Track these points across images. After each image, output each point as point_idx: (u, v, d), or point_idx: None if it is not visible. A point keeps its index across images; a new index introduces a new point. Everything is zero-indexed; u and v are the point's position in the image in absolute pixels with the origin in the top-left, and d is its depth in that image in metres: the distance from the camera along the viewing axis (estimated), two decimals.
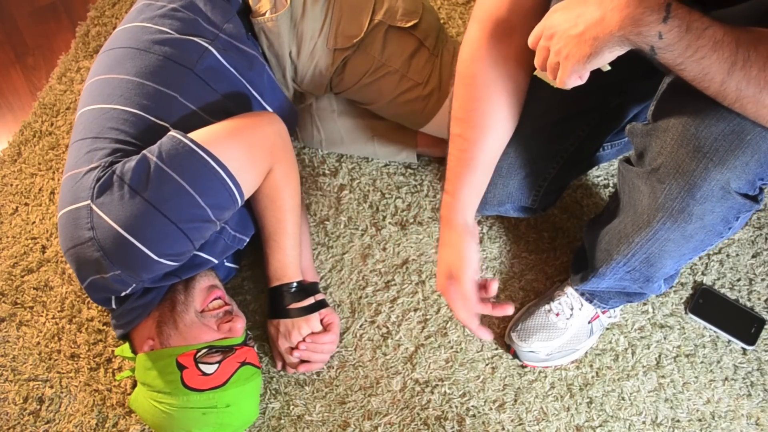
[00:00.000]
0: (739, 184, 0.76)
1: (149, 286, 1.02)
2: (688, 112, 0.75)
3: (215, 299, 1.08)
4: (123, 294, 1.00)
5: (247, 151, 1.00)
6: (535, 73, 0.81)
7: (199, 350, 1.01)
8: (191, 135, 0.96)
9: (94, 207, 0.91)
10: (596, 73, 0.74)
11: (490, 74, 0.88)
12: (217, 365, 1.01)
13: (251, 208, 1.13)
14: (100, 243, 0.91)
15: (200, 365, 1.01)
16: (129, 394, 1.18)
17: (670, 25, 0.64)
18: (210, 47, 1.06)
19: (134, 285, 0.97)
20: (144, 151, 0.94)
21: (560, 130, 1.02)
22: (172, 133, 0.96)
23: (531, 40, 0.77)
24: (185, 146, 0.94)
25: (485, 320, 1.21)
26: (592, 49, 0.69)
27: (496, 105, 0.90)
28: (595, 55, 0.69)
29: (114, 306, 1.04)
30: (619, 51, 0.69)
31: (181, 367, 1.00)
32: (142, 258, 0.91)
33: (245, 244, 1.15)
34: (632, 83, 1.00)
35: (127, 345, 1.07)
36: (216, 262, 1.10)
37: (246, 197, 1.02)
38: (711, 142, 0.74)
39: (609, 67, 0.73)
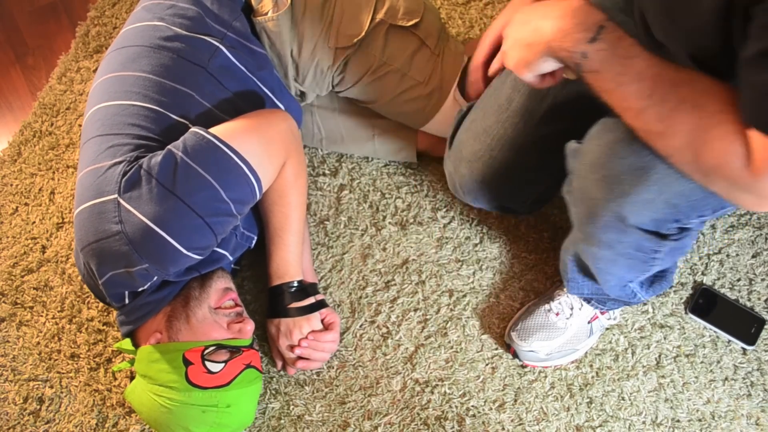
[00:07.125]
0: (640, 219, 0.75)
1: (170, 280, 1.03)
2: (607, 140, 0.74)
3: (229, 300, 1.09)
4: (140, 289, 1.01)
5: (265, 146, 1.02)
6: None
7: (207, 347, 1.02)
8: (211, 131, 0.98)
9: (121, 201, 0.92)
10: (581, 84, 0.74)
11: None
12: (223, 364, 1.02)
13: (256, 206, 1.13)
14: (129, 236, 0.91)
15: (207, 363, 1.01)
16: None
17: (595, 46, 0.64)
18: (220, 46, 1.08)
19: (155, 279, 0.98)
20: (169, 147, 0.95)
21: (552, 141, 1.02)
22: (195, 129, 0.97)
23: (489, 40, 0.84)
24: (209, 142, 0.95)
25: (485, 322, 1.21)
26: (530, 56, 0.71)
27: None
28: (533, 62, 0.71)
29: (126, 301, 1.04)
30: (553, 63, 0.70)
31: (187, 363, 1.00)
32: (171, 251, 0.93)
33: (253, 242, 1.16)
34: None
35: (127, 340, 1.06)
36: (231, 258, 1.12)
37: (263, 192, 1.03)
38: (616, 174, 0.73)
39: (573, 76, 0.72)
